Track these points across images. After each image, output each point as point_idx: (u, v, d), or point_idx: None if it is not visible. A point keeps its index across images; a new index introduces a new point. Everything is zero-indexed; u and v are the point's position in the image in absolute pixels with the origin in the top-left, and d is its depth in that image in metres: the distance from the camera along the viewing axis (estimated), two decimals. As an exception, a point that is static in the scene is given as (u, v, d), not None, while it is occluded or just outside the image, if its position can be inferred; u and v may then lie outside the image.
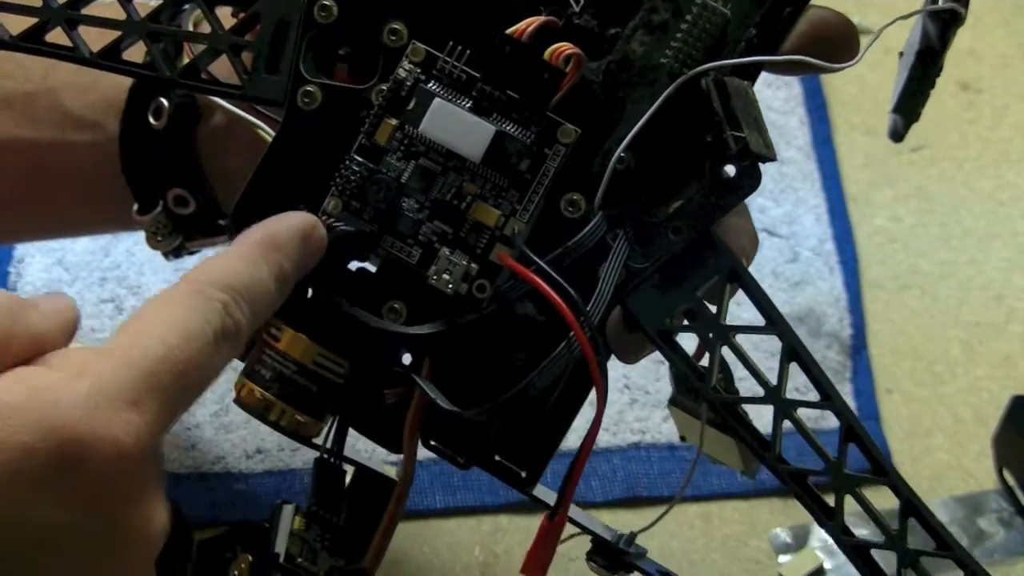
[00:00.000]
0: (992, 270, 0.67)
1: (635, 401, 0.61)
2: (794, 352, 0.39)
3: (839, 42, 0.40)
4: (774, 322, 0.39)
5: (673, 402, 0.43)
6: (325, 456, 0.41)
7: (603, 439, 0.60)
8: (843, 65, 0.40)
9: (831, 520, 0.39)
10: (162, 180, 0.45)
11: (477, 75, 0.38)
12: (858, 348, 0.63)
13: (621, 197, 0.39)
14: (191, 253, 0.49)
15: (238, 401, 0.40)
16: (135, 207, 0.46)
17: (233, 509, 0.56)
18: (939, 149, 0.71)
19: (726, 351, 0.39)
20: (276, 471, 0.58)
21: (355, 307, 0.39)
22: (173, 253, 0.48)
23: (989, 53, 0.74)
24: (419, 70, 0.39)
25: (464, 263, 0.39)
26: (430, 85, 0.39)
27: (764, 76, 0.78)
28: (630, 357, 0.41)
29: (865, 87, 0.73)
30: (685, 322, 0.39)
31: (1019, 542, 0.58)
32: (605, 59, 0.39)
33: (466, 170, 0.39)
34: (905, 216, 0.69)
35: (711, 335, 0.39)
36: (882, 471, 0.38)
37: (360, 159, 0.39)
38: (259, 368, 0.39)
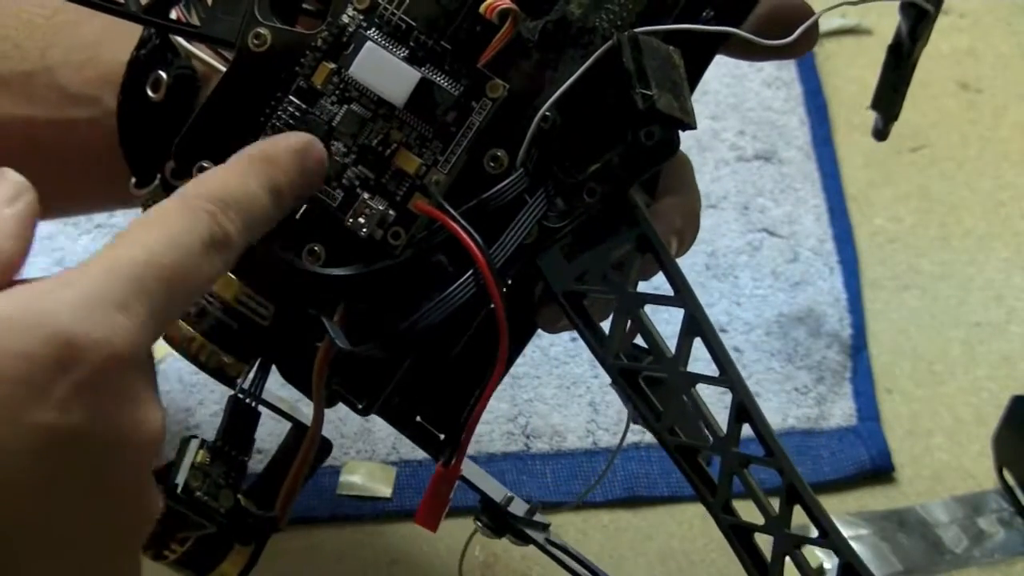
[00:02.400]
0: (992, 270, 0.67)
1: (635, 401, 0.61)
2: (695, 324, 0.39)
3: (796, 27, 0.40)
4: (680, 292, 0.39)
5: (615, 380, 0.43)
6: (241, 396, 0.41)
7: (603, 439, 0.60)
8: (778, 43, 0.40)
9: (713, 497, 0.39)
10: (160, 152, 0.46)
11: (415, 24, 0.39)
12: (858, 348, 0.63)
13: (544, 156, 0.39)
14: None
15: (165, 336, 0.40)
16: (132, 181, 0.46)
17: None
18: (939, 149, 0.71)
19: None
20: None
21: (273, 244, 0.39)
22: None
23: (989, 53, 0.74)
24: (362, 17, 0.40)
25: (381, 208, 0.39)
26: (369, 32, 0.39)
27: (764, 76, 0.78)
28: (549, 326, 0.42)
29: (865, 87, 0.72)
30: (591, 286, 0.40)
31: (1019, 542, 0.58)
32: (543, 19, 0.39)
33: (395, 118, 0.39)
34: (905, 216, 0.69)
35: (617, 302, 0.39)
36: (770, 452, 0.38)
37: (295, 100, 0.40)
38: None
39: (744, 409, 0.38)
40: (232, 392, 0.41)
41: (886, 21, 0.75)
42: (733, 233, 0.67)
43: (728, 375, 0.38)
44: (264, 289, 0.40)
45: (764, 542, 0.39)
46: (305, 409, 0.42)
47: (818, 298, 0.65)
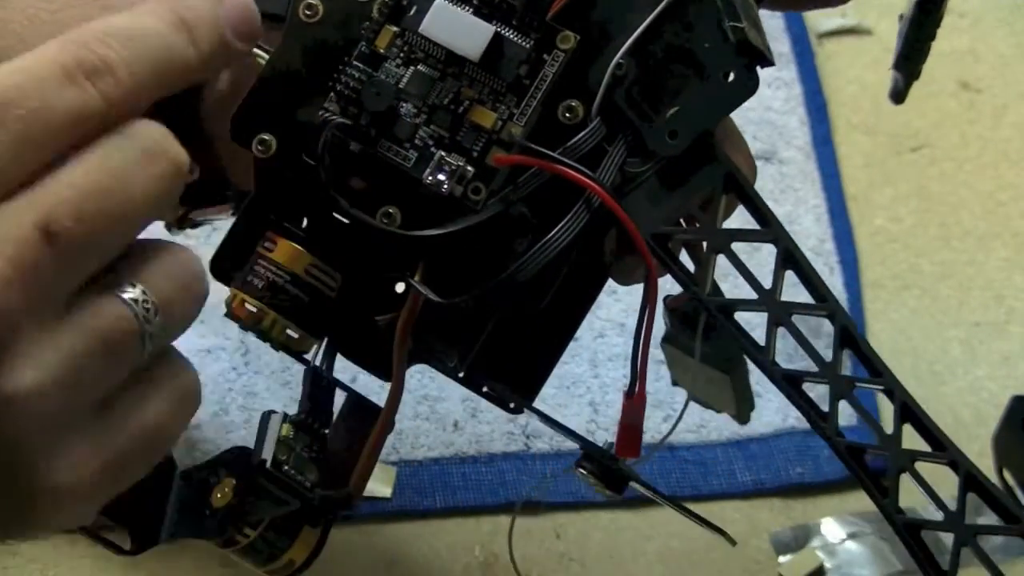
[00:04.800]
0: (992, 270, 0.67)
1: (635, 401, 0.61)
2: (790, 257, 0.39)
3: None
4: (769, 225, 0.39)
5: (667, 339, 0.43)
6: (316, 370, 0.41)
7: (603, 439, 0.60)
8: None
9: (825, 422, 0.39)
10: None
11: None
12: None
13: (620, 103, 0.39)
14: (194, 225, 0.49)
15: (230, 314, 0.40)
16: None
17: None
18: (939, 149, 0.71)
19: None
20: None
21: (354, 208, 0.39)
22: (177, 224, 0.48)
23: (989, 53, 0.74)
24: None
25: (460, 164, 0.39)
26: None
27: (764, 76, 0.78)
28: (623, 278, 0.42)
29: (865, 87, 0.73)
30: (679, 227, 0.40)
31: (1019, 542, 0.58)
32: None
33: (464, 75, 0.39)
34: (905, 216, 0.69)
35: (706, 241, 0.40)
36: (878, 373, 0.39)
37: (360, 65, 0.40)
38: (252, 279, 0.40)
39: (848, 334, 0.39)
40: (310, 364, 0.41)
41: (886, 21, 0.75)
42: (733, 233, 0.67)
43: (828, 303, 0.39)
44: (334, 259, 0.40)
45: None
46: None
47: (818, 298, 0.65)
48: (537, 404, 0.60)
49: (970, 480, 0.38)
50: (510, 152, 0.39)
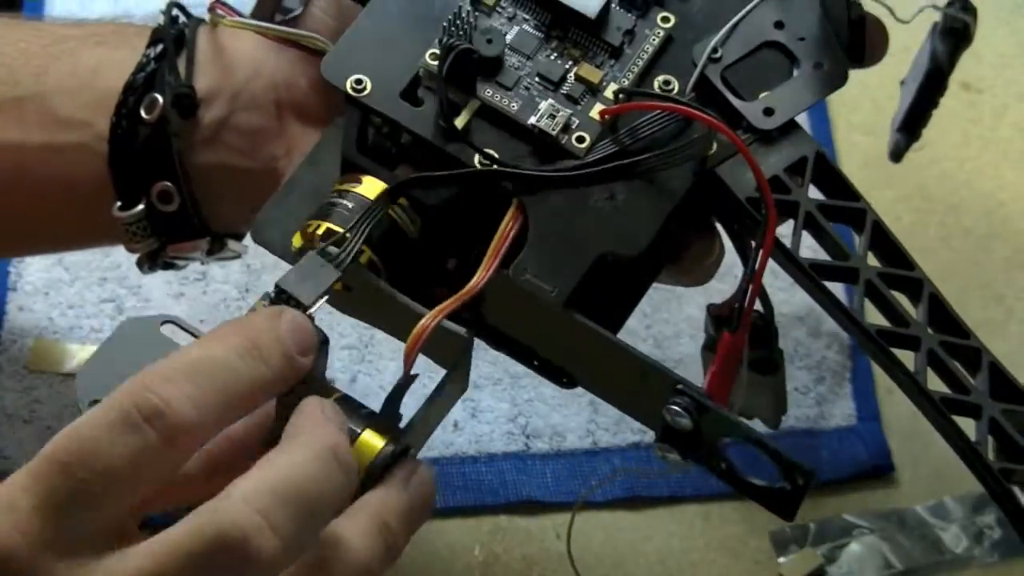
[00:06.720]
0: (992, 270, 0.67)
1: (635, 401, 0.61)
2: (878, 227, 0.43)
3: (872, 41, 0.45)
4: (859, 198, 0.43)
5: (708, 347, 0.44)
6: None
7: (603, 439, 0.60)
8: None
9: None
10: (148, 174, 0.45)
11: None
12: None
13: (714, 82, 0.42)
14: (167, 266, 0.48)
15: (299, 241, 0.41)
16: (117, 204, 0.46)
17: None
18: (939, 149, 0.71)
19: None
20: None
21: (454, 144, 0.40)
22: (149, 261, 0.48)
23: (989, 53, 0.74)
24: None
25: (567, 112, 0.41)
26: None
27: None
28: (693, 264, 0.45)
29: (865, 87, 0.72)
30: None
31: (1019, 542, 0.58)
32: None
33: (568, 39, 0.42)
34: (905, 216, 0.69)
35: (801, 209, 0.42)
36: (966, 335, 0.44)
37: (472, 10, 0.42)
38: (336, 209, 0.40)
39: (936, 301, 0.43)
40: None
41: (886, 21, 0.75)
42: (733, 233, 0.67)
43: (916, 270, 0.43)
44: (417, 203, 0.41)
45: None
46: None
47: (818, 298, 0.65)
48: (536, 403, 0.61)
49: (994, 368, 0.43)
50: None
